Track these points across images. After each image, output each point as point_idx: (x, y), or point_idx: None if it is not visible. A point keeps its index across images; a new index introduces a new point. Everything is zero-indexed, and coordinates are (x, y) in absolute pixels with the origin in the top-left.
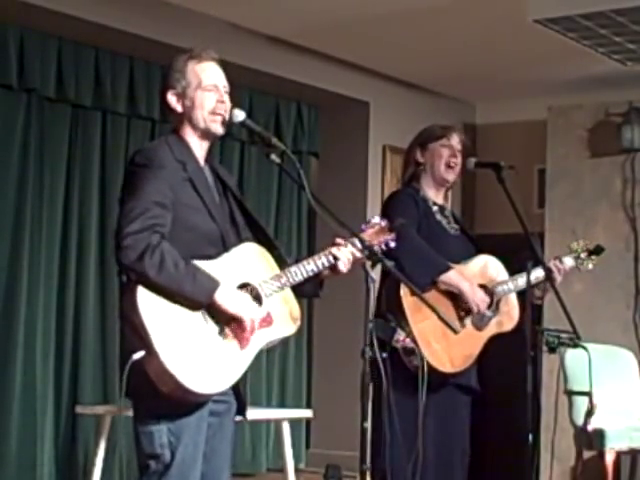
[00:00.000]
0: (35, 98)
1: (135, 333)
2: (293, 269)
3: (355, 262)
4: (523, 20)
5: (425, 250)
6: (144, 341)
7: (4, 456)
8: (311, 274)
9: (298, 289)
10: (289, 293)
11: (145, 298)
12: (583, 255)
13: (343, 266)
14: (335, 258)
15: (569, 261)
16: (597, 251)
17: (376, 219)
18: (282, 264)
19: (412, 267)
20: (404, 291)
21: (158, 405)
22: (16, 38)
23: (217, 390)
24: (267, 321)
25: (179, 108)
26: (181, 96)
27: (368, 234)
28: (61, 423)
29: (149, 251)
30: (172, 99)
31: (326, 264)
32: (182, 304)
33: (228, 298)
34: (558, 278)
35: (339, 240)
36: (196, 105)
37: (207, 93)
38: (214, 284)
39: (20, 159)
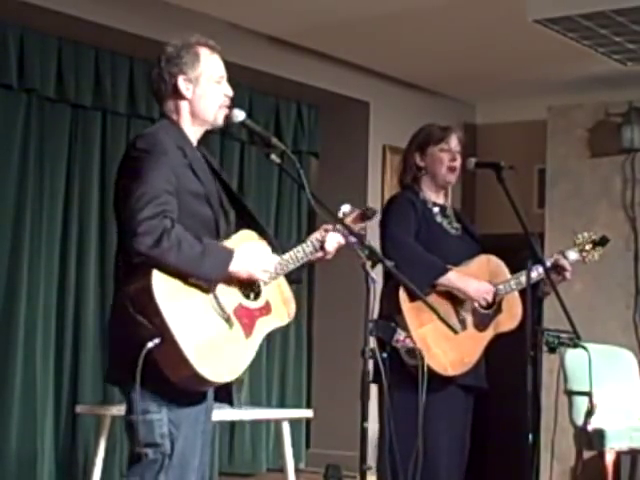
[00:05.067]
0: (35, 98)
1: (146, 319)
2: (286, 257)
3: (340, 248)
4: (523, 20)
5: (421, 255)
6: (158, 327)
7: (4, 455)
8: (303, 261)
9: (285, 277)
10: (284, 284)
11: (160, 283)
12: (588, 247)
13: (331, 247)
14: (322, 242)
15: (573, 255)
16: (602, 242)
17: (346, 207)
18: (273, 250)
19: (410, 273)
20: (403, 297)
21: (161, 394)
22: (16, 38)
23: (228, 378)
24: (267, 309)
25: (189, 94)
26: (192, 83)
27: (349, 222)
28: (61, 423)
29: (165, 236)
30: (182, 84)
31: (313, 251)
32: (195, 285)
33: (241, 264)
34: (568, 275)
35: (327, 226)
36: (208, 96)
37: (218, 86)
38: (229, 255)
39: (20, 159)
